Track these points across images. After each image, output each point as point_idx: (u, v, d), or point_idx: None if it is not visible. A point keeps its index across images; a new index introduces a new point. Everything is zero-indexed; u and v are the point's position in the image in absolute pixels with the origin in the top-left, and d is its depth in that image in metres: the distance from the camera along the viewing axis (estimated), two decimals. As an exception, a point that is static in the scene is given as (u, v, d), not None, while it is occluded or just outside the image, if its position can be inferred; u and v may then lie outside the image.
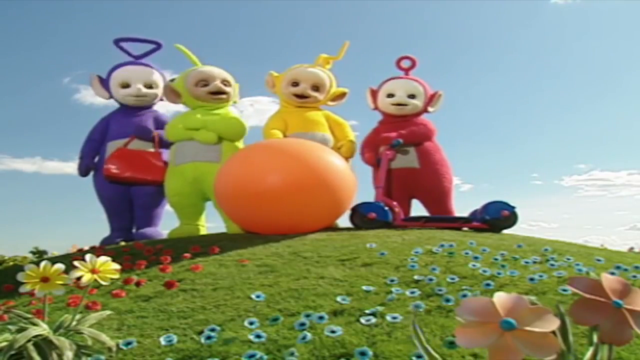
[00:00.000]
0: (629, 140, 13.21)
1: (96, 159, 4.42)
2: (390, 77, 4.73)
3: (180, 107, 4.55)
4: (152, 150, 4.31)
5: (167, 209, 4.55)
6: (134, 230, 4.43)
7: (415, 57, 4.80)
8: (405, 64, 4.80)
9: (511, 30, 13.51)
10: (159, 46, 4.58)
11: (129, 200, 4.37)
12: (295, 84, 4.35)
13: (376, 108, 4.76)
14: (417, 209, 4.61)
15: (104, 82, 4.45)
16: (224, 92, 4.28)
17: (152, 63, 4.59)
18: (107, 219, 4.45)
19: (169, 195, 4.21)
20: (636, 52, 13.06)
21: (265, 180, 3.27)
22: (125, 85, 4.37)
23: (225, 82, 4.34)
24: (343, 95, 4.62)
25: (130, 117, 4.37)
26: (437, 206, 4.39)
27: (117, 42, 4.47)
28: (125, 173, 4.09)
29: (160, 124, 4.44)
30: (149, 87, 4.44)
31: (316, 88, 4.36)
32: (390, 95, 4.56)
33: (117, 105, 4.58)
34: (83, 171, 4.36)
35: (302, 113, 4.33)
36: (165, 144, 4.34)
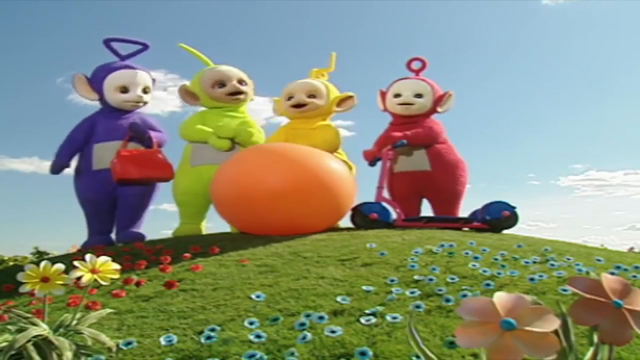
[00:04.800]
0: (625, 140, 13.22)
1: (78, 160, 4.29)
2: (400, 77, 4.73)
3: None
4: (150, 149, 4.27)
5: (150, 210, 4.51)
6: (114, 234, 4.34)
7: (426, 59, 4.79)
8: (416, 65, 4.80)
9: (505, 31, 13.51)
10: (146, 47, 4.53)
11: (113, 202, 4.28)
12: (290, 97, 4.39)
13: (385, 109, 4.76)
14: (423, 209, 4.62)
15: (93, 83, 4.31)
16: (241, 92, 4.34)
17: (140, 64, 4.53)
18: (86, 222, 4.32)
19: (178, 194, 4.23)
20: (631, 53, 13.08)
21: (262, 184, 3.25)
22: (124, 90, 4.27)
23: (241, 81, 4.38)
24: (349, 98, 4.58)
25: (117, 119, 4.28)
26: (446, 207, 4.39)
27: (107, 42, 4.39)
28: (140, 174, 4.00)
29: (147, 125, 4.38)
30: (145, 91, 4.41)
31: (312, 95, 4.35)
32: (397, 96, 4.56)
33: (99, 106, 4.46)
34: (57, 169, 4.16)
35: (306, 133, 4.24)
36: (159, 146, 4.34)
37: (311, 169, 3.33)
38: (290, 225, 3.31)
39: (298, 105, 4.33)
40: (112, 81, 4.26)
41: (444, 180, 4.33)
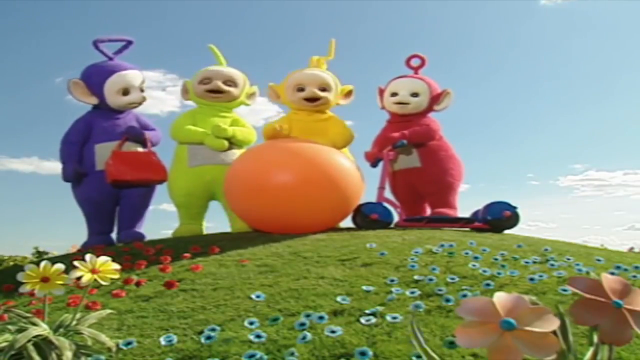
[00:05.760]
0: (624, 140, 13.21)
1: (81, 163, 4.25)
2: (398, 76, 4.73)
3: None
4: (145, 150, 4.27)
5: (150, 210, 4.51)
6: (114, 234, 4.35)
7: (425, 56, 4.78)
8: (415, 62, 4.79)
9: (503, 31, 13.50)
10: (130, 43, 4.53)
11: (116, 202, 4.29)
12: (301, 88, 4.28)
13: (383, 107, 4.76)
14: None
15: (92, 87, 4.26)
16: (221, 91, 4.30)
17: (129, 62, 4.51)
18: (86, 223, 4.31)
19: (178, 195, 4.22)
20: (630, 52, 13.08)
21: (275, 178, 3.33)
22: (126, 92, 4.28)
23: (228, 82, 4.36)
24: (350, 92, 4.59)
25: (114, 119, 4.29)
26: (438, 200, 4.36)
27: (96, 43, 4.35)
28: (134, 175, 4.01)
29: (141, 124, 4.41)
30: (142, 90, 4.43)
31: (323, 88, 4.32)
32: (394, 94, 4.55)
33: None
34: (71, 175, 4.12)
35: (313, 126, 4.23)
36: (154, 144, 4.36)
37: (321, 165, 3.40)
38: (300, 220, 3.38)
39: (312, 100, 4.27)
40: (112, 85, 4.24)
41: (432, 173, 4.32)
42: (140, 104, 4.42)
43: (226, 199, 3.84)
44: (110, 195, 4.19)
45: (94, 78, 4.28)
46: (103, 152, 4.12)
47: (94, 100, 4.29)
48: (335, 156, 3.55)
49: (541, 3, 13.40)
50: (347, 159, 3.70)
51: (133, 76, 4.35)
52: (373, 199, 3.92)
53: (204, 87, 4.29)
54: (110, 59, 4.42)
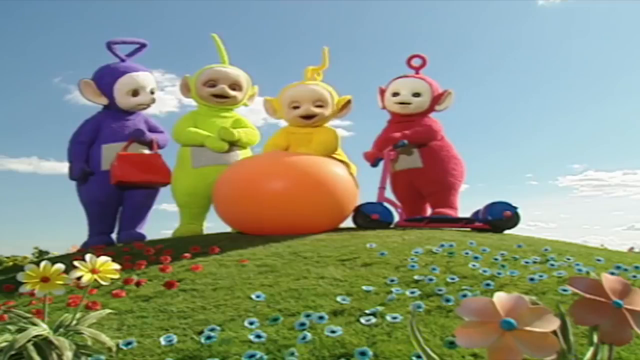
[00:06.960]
0: (623, 140, 13.24)
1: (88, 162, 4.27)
2: (399, 75, 4.73)
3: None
4: (151, 152, 4.30)
5: (152, 210, 4.54)
6: (114, 235, 4.37)
7: (426, 56, 4.78)
8: (416, 62, 4.78)
9: (503, 32, 13.54)
10: (144, 46, 4.55)
11: (119, 202, 4.31)
12: (296, 106, 4.25)
13: (384, 107, 4.76)
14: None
15: (102, 88, 4.28)
16: (227, 96, 4.29)
17: (139, 63, 4.54)
18: (88, 223, 4.32)
19: (181, 195, 4.23)
20: (629, 53, 13.11)
21: (266, 186, 3.33)
22: (136, 93, 4.29)
23: (234, 86, 4.34)
24: (348, 103, 4.57)
25: (123, 120, 4.31)
26: (439, 200, 4.34)
27: (109, 44, 4.37)
28: (138, 177, 4.04)
29: (150, 126, 4.43)
30: (152, 92, 4.44)
31: (319, 105, 4.31)
32: (396, 94, 4.55)
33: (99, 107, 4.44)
34: (79, 174, 4.13)
35: (307, 137, 4.18)
36: (160, 147, 4.39)
37: (313, 174, 3.39)
38: (291, 228, 3.34)
39: (307, 117, 4.23)
40: (122, 86, 4.25)
41: (434, 173, 4.32)
42: (149, 105, 4.43)
43: (215, 207, 3.83)
44: (114, 195, 4.21)
45: (105, 78, 4.30)
46: (109, 153, 4.14)
47: (104, 101, 4.30)
48: (326, 165, 3.53)
49: (539, 4, 13.44)
50: (340, 166, 3.68)
51: (144, 78, 4.36)
52: (373, 198, 3.92)
53: (210, 90, 4.27)
54: (123, 60, 4.44)
